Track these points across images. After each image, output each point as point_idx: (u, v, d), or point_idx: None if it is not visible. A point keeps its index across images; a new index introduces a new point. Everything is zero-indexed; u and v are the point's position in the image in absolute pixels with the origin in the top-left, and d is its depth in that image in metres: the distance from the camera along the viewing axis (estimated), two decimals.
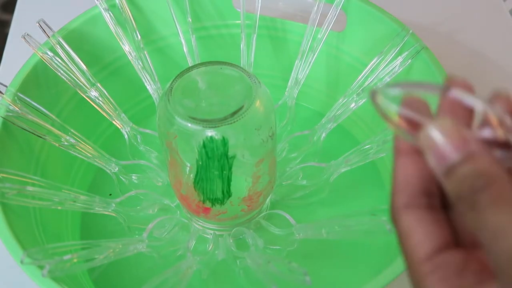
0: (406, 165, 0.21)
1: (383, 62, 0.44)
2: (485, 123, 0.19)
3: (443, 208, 0.22)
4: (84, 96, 0.44)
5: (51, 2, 0.68)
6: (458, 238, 0.21)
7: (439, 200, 0.22)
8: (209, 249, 0.43)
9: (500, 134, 0.18)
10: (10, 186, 0.35)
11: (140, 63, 0.47)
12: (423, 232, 0.20)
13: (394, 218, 0.21)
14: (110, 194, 0.50)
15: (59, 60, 0.43)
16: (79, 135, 0.43)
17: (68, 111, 0.47)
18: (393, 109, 0.20)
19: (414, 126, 0.19)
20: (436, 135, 0.18)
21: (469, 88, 0.20)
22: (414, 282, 0.21)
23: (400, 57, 0.44)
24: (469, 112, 0.20)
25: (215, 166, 0.36)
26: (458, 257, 0.20)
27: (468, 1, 0.68)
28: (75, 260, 0.33)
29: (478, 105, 0.19)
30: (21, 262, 0.32)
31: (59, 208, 0.39)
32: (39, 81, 0.44)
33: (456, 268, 0.20)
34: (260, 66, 0.53)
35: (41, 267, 0.31)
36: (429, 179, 0.21)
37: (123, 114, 0.47)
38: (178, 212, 0.47)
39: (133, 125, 0.48)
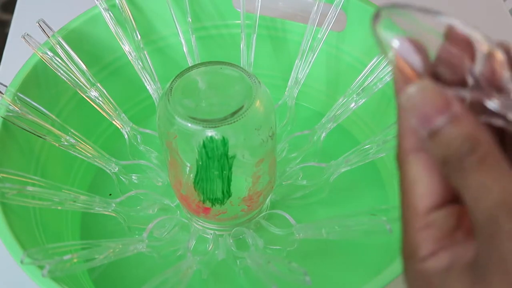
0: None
1: (383, 62, 0.44)
2: (489, 60, 0.18)
3: None
4: (84, 96, 0.44)
5: (51, 2, 0.68)
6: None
7: None
8: (209, 249, 0.43)
9: (505, 75, 0.18)
10: (10, 186, 0.35)
11: (140, 63, 0.47)
12: (428, 181, 0.20)
13: (401, 162, 0.20)
14: (110, 194, 0.50)
15: (59, 60, 0.43)
16: (79, 135, 0.43)
17: (68, 111, 0.47)
18: (392, 44, 0.20)
19: (406, 77, 0.19)
20: (418, 96, 0.18)
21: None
22: (406, 234, 0.20)
23: None
24: (468, 60, 0.20)
25: (215, 166, 0.36)
26: (454, 215, 0.20)
27: (468, 1, 0.68)
28: (75, 260, 0.33)
29: (482, 43, 0.19)
30: (21, 262, 0.32)
31: (59, 208, 0.39)
32: (39, 81, 0.44)
33: (449, 228, 0.19)
34: (260, 66, 0.53)
35: (41, 267, 0.31)
36: None
37: (123, 114, 0.47)
38: (178, 212, 0.47)
39: (133, 125, 0.48)
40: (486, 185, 0.17)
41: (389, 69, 0.44)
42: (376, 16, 0.19)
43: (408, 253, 0.20)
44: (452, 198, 0.20)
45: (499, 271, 0.17)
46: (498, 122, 0.18)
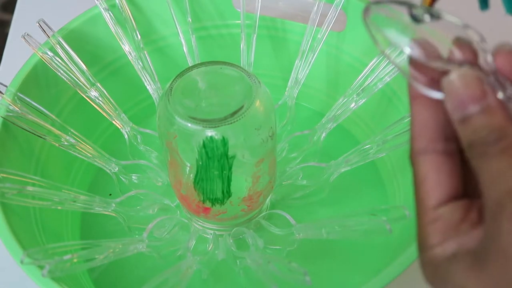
0: (422, 110, 0.22)
1: (383, 62, 0.44)
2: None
3: (459, 152, 0.22)
4: (84, 96, 0.44)
5: (51, 2, 0.68)
6: (467, 186, 0.22)
7: (456, 144, 0.22)
8: (209, 249, 0.43)
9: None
10: (10, 186, 0.35)
11: (140, 63, 0.47)
12: (435, 180, 0.21)
13: (413, 162, 0.22)
14: (110, 194, 0.50)
15: (59, 60, 0.43)
16: (79, 135, 0.43)
17: (68, 111, 0.47)
18: (382, 33, 0.21)
19: (420, 69, 0.20)
20: (459, 82, 0.19)
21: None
22: (418, 227, 0.22)
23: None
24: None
25: (215, 166, 0.36)
26: (460, 209, 0.21)
27: (468, 1, 0.68)
28: (75, 260, 0.33)
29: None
30: (21, 262, 0.32)
31: (59, 208, 0.39)
32: (39, 81, 0.44)
33: (455, 221, 0.21)
34: (260, 66, 0.53)
35: (41, 267, 0.31)
36: (446, 123, 0.21)
37: (123, 114, 0.47)
38: (178, 212, 0.47)
39: (133, 125, 0.48)
40: (503, 172, 0.18)
41: (389, 69, 0.44)
42: (365, 10, 0.21)
43: (420, 244, 0.22)
44: (458, 194, 0.22)
45: (498, 250, 0.18)
46: None
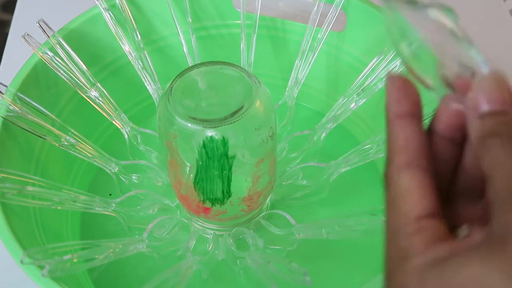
0: (406, 127, 0.22)
1: (383, 62, 0.44)
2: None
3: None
4: (84, 96, 0.44)
5: (51, 2, 0.68)
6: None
7: (433, 166, 0.22)
8: (209, 249, 0.43)
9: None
10: (10, 186, 0.35)
11: (140, 63, 0.47)
12: (419, 194, 0.21)
13: (391, 178, 0.22)
14: (110, 194, 0.50)
15: (59, 60, 0.43)
16: (79, 135, 0.43)
17: (68, 111, 0.47)
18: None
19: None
20: (493, 83, 0.20)
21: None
22: (396, 240, 0.21)
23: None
24: None
25: (215, 166, 0.36)
26: (442, 227, 0.21)
27: (468, 1, 0.68)
28: (75, 260, 0.33)
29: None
30: (21, 262, 0.32)
31: (59, 208, 0.39)
32: (39, 81, 0.44)
33: (441, 234, 0.20)
34: (260, 66, 0.53)
35: (41, 267, 0.31)
36: (426, 145, 0.22)
37: (123, 114, 0.47)
38: (178, 212, 0.47)
39: (133, 125, 0.48)
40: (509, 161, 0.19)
41: (389, 69, 0.44)
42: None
43: (398, 258, 0.21)
44: (439, 212, 0.21)
45: None
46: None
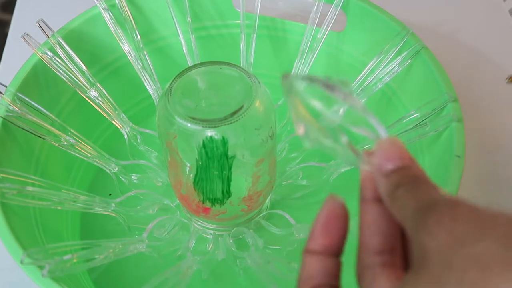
0: (373, 211, 0.24)
1: (382, 62, 0.44)
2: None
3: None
4: (84, 96, 0.44)
5: (51, 2, 0.68)
6: None
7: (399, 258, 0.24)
8: (209, 249, 0.43)
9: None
10: (10, 186, 0.35)
11: (140, 63, 0.47)
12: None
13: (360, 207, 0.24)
14: (110, 194, 0.50)
15: (59, 60, 0.43)
16: (79, 135, 0.43)
17: (68, 111, 0.47)
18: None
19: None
20: (390, 144, 0.23)
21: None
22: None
23: (399, 57, 0.44)
24: None
25: (215, 166, 0.36)
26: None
27: (468, 1, 0.68)
28: (75, 260, 0.33)
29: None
30: (21, 262, 0.32)
31: (59, 208, 0.39)
32: (38, 81, 0.44)
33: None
34: (260, 66, 0.53)
35: (41, 267, 0.31)
36: (393, 232, 0.23)
37: (123, 114, 0.47)
38: (178, 212, 0.47)
39: (133, 125, 0.48)
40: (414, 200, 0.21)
41: (389, 69, 0.44)
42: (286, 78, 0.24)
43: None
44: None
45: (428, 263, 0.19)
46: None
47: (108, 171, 0.46)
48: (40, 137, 0.41)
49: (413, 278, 0.19)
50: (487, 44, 0.62)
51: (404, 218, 0.21)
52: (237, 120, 0.34)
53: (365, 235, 0.24)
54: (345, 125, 0.25)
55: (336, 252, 0.25)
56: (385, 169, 0.22)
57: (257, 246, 0.41)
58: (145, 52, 0.47)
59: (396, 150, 0.22)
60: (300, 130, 0.24)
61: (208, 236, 0.45)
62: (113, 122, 0.46)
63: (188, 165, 0.38)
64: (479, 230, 0.18)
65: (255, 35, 0.49)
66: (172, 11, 0.48)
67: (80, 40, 0.47)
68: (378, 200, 0.23)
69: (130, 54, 0.47)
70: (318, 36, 0.47)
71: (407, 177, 0.21)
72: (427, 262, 0.18)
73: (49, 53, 0.43)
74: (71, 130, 0.43)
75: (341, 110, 0.24)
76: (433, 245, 0.18)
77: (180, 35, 0.49)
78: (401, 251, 0.23)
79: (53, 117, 0.42)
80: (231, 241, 0.43)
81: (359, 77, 0.45)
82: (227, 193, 0.39)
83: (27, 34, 0.42)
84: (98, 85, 0.45)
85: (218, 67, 0.37)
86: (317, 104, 0.24)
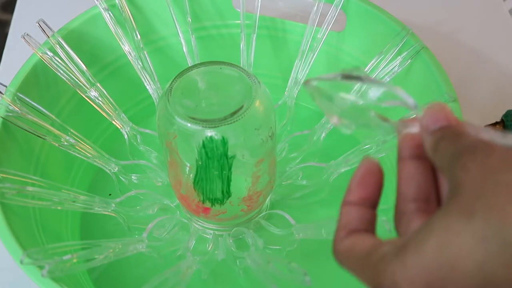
0: (409, 166, 0.25)
1: (383, 62, 0.44)
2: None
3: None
4: (84, 96, 0.44)
5: (51, 2, 0.68)
6: None
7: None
8: (209, 249, 0.43)
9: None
10: (10, 186, 0.35)
11: (140, 63, 0.47)
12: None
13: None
14: (110, 194, 0.50)
15: (59, 60, 0.43)
16: (79, 135, 0.43)
17: (68, 111, 0.47)
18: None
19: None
20: (439, 107, 0.24)
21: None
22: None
23: (399, 57, 0.44)
24: None
25: (214, 166, 0.36)
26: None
27: (468, 1, 0.68)
28: (75, 260, 0.33)
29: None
30: (21, 262, 0.32)
31: (59, 208, 0.39)
32: (38, 81, 0.44)
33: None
34: (260, 66, 0.53)
35: (41, 267, 0.31)
36: (428, 184, 0.24)
37: (123, 114, 0.47)
38: (178, 212, 0.47)
39: (133, 125, 0.48)
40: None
41: (389, 69, 0.44)
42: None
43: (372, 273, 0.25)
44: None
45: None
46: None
47: (108, 171, 0.46)
48: (40, 137, 0.41)
49: (444, 210, 0.20)
50: (487, 44, 0.62)
51: (443, 163, 0.22)
52: (237, 120, 0.34)
53: (402, 186, 0.25)
54: (373, 103, 0.26)
55: (372, 204, 0.26)
56: (432, 128, 0.23)
57: (257, 246, 0.41)
58: (145, 52, 0.47)
59: (443, 113, 0.23)
60: (334, 120, 0.27)
61: (208, 236, 0.45)
62: (113, 122, 0.46)
63: (188, 165, 0.38)
64: (510, 163, 0.19)
65: (255, 35, 0.49)
66: (172, 11, 0.48)
67: (80, 40, 0.47)
68: (414, 157, 0.24)
69: (130, 54, 0.47)
70: (318, 36, 0.47)
71: (450, 132, 0.22)
72: (458, 194, 0.19)
73: (49, 53, 0.43)
74: (71, 130, 0.43)
75: (369, 92, 0.26)
76: (466, 177, 0.19)
77: (180, 35, 0.49)
78: (436, 202, 0.24)
79: (53, 117, 0.42)
80: (231, 241, 0.43)
81: None
82: (227, 193, 0.39)
83: (27, 34, 0.42)
84: (98, 85, 0.45)
85: (218, 67, 0.37)
86: (341, 94, 0.26)
